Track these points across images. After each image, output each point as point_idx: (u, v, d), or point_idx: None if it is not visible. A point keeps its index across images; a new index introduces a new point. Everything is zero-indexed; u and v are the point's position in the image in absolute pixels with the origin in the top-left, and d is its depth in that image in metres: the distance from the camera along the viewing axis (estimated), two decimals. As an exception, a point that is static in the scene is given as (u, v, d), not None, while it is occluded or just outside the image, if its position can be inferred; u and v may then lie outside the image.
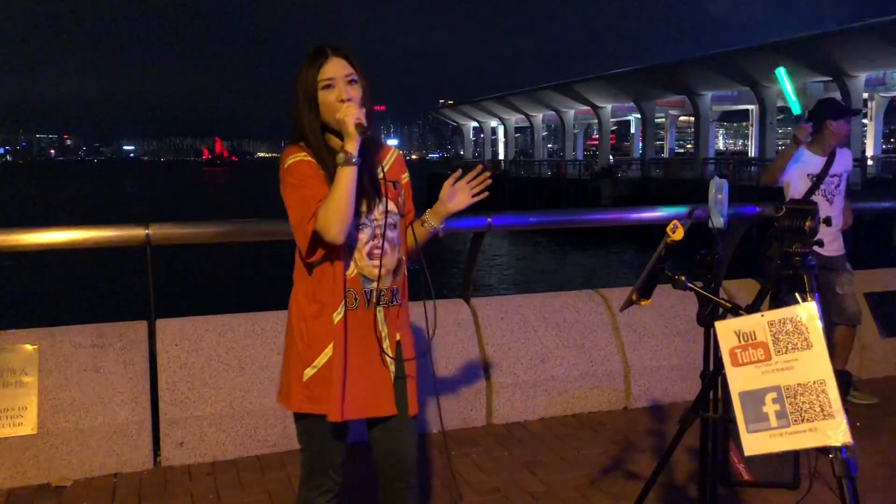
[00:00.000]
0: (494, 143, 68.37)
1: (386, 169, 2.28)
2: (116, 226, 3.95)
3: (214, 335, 4.06)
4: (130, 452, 3.78)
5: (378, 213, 2.23)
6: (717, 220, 2.28)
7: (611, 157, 51.28)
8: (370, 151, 2.22)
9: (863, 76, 31.47)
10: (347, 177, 2.07)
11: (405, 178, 2.38)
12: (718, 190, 2.31)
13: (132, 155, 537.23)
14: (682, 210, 4.76)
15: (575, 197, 37.30)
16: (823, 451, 1.81)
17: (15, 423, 3.65)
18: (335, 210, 2.06)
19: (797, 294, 1.93)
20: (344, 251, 2.18)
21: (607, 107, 48.17)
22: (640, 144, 47.64)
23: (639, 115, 46.89)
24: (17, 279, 19.67)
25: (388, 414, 2.26)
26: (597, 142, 59.11)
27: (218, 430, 3.91)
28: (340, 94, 2.16)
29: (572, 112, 53.05)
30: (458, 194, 2.25)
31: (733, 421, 1.99)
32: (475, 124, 70.38)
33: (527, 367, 4.49)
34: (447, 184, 2.25)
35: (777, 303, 2.02)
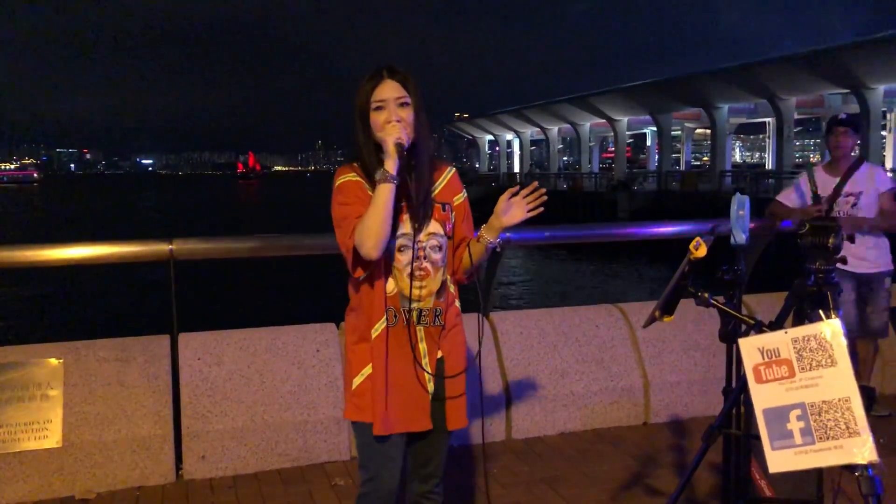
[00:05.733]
0: (510, 156, 68.43)
1: (438, 189, 2.32)
2: (140, 241, 4.00)
3: (236, 349, 4.09)
4: (153, 466, 3.81)
5: (423, 235, 2.27)
6: (739, 236, 2.29)
7: (626, 169, 51.15)
8: (423, 172, 2.25)
9: (881, 88, 31.25)
10: (384, 194, 2.12)
11: (459, 198, 2.39)
12: (740, 206, 2.32)
13: (150, 169, 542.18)
14: (699, 224, 4.76)
15: (591, 210, 37.26)
16: (849, 469, 1.81)
17: (40, 436, 3.70)
18: (369, 225, 2.12)
19: (821, 311, 1.93)
20: (383, 270, 2.24)
21: (623, 119, 48.11)
22: (657, 157, 47.54)
23: (655, 128, 46.81)
24: (42, 294, 19.83)
25: (424, 429, 2.32)
26: (612, 154, 59.03)
27: (239, 444, 3.93)
28: (389, 116, 2.21)
29: (588, 125, 53.04)
30: (513, 208, 2.24)
31: (757, 438, 1.99)
32: (490, 137, 70.50)
33: (546, 382, 4.49)
34: (503, 198, 2.24)
35: (800, 319, 2.02)
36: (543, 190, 2.25)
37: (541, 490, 3.74)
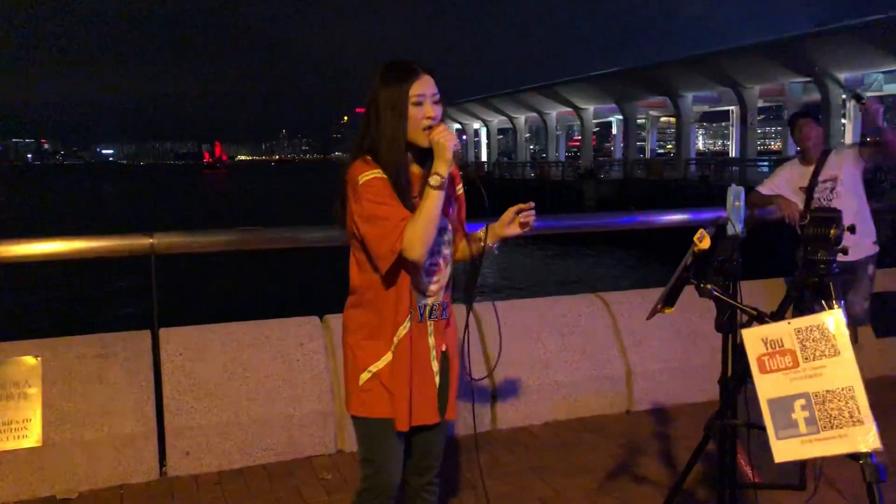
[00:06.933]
0: (477, 145, 68.49)
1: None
2: (120, 235, 3.92)
3: (219, 344, 4.04)
4: (136, 463, 3.75)
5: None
6: (736, 227, 2.30)
7: (592, 157, 51.48)
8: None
9: (842, 77, 31.84)
10: (436, 199, 2.12)
11: (459, 189, 2.42)
12: (736, 197, 2.34)
13: (111, 159, 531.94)
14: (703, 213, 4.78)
15: (559, 199, 37.40)
16: (853, 457, 1.84)
17: (19, 436, 3.61)
18: (422, 231, 2.10)
19: (823, 301, 1.95)
20: (410, 270, 2.23)
21: (590, 108, 48.40)
22: (622, 145, 47.93)
23: (620, 117, 47.15)
24: (18, 291, 19.31)
25: (434, 422, 2.33)
26: (578, 143, 59.40)
27: (224, 440, 3.88)
28: (428, 112, 2.18)
29: (555, 113, 53.26)
30: (513, 224, 2.30)
31: (758, 427, 2.02)
32: (458, 126, 70.45)
33: (530, 372, 4.50)
34: (511, 210, 2.29)
35: (801, 309, 2.04)
36: (534, 213, 2.28)
37: (529, 480, 3.75)
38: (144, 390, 3.84)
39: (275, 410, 3.97)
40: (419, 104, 2.18)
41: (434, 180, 2.12)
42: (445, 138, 2.14)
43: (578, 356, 4.63)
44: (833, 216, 1.98)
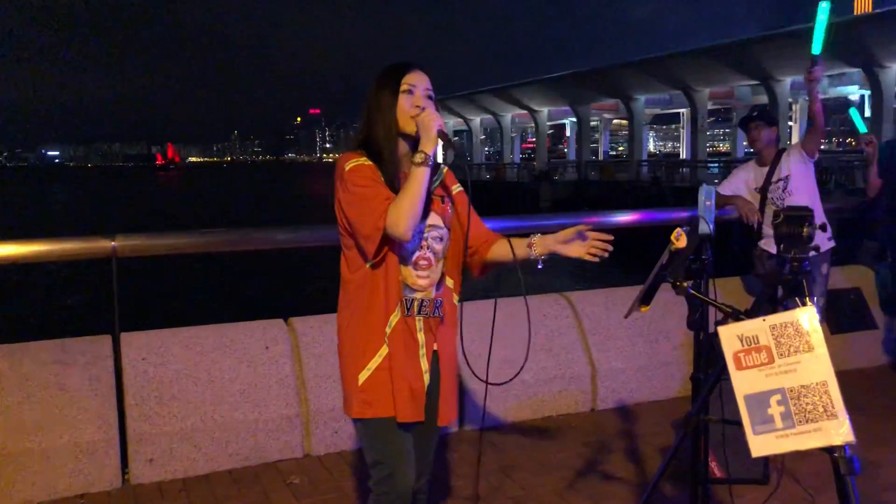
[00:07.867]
0: (432, 147, 68.43)
1: (436, 183, 2.34)
2: (81, 238, 3.82)
3: (182, 348, 3.96)
4: (97, 472, 3.65)
5: (426, 225, 2.28)
6: (707, 227, 2.34)
7: (546, 159, 51.94)
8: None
9: (788, 80, 32.68)
10: (421, 176, 2.13)
11: (456, 188, 2.43)
12: (707, 197, 2.37)
13: (57, 161, 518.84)
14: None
15: (515, 200, 37.65)
16: (827, 450, 1.87)
17: (-26, 446, 3.49)
18: (406, 206, 2.10)
19: (797, 298, 1.99)
20: (398, 260, 2.23)
21: (544, 110, 48.83)
22: (575, 147, 48.45)
23: (574, 119, 47.68)
24: None
25: (417, 420, 2.29)
26: (533, 144, 59.90)
27: (188, 446, 3.81)
28: (417, 101, 2.23)
29: (509, 116, 53.62)
30: (574, 244, 2.25)
31: (733, 423, 2.05)
32: (413, 128, 70.36)
33: (497, 371, 4.48)
34: (573, 229, 2.25)
35: (774, 306, 2.08)
36: (611, 247, 2.22)
37: (497, 479, 3.76)
38: (106, 396, 3.75)
39: (240, 415, 3.91)
40: (410, 92, 2.23)
41: (418, 157, 2.14)
42: (430, 118, 2.17)
43: (544, 355, 4.66)
44: (805, 214, 2.03)
